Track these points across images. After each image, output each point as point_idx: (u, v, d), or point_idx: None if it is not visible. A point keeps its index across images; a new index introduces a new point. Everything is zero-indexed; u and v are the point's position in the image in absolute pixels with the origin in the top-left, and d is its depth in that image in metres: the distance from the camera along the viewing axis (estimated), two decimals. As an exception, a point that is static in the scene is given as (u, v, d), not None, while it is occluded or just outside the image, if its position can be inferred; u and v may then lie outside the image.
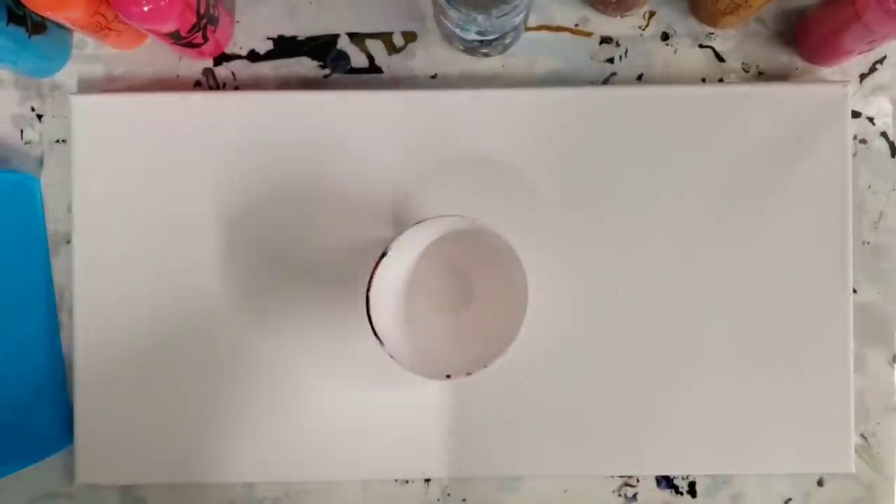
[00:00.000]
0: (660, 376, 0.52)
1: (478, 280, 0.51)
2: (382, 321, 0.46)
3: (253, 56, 0.54)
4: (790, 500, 0.53)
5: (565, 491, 0.53)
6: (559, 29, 0.54)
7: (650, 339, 0.52)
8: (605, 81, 0.54)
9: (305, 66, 0.54)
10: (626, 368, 0.52)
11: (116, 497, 0.54)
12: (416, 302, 0.51)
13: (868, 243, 0.54)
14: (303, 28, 0.54)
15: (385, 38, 0.54)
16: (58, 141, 0.54)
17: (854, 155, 0.53)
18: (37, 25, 0.49)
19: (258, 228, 0.53)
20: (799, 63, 0.54)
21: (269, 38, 0.54)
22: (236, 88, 0.54)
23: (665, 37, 0.54)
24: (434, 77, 0.54)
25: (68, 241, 0.54)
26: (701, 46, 0.54)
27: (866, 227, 0.54)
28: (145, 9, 0.43)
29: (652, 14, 0.54)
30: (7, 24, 0.46)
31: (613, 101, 0.52)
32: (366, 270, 0.46)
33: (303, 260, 0.53)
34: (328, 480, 0.53)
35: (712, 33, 0.54)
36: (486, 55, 0.53)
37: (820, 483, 0.53)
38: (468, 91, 0.52)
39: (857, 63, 0.53)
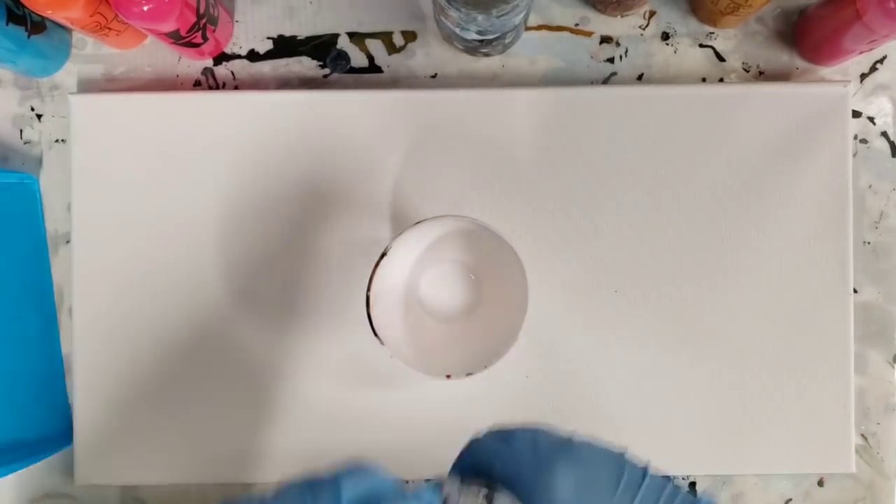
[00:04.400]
0: (660, 376, 0.52)
1: (478, 280, 0.51)
2: (382, 321, 0.46)
3: (253, 56, 0.54)
4: (790, 500, 0.53)
5: (565, 491, 0.53)
6: (559, 29, 0.54)
7: (650, 339, 0.52)
8: (605, 81, 0.54)
9: (305, 65, 0.54)
10: (626, 368, 0.52)
11: (116, 497, 0.54)
12: (416, 302, 0.51)
13: (869, 243, 0.54)
14: (302, 28, 0.54)
15: (385, 37, 0.54)
16: (57, 141, 0.54)
17: (854, 155, 0.53)
18: (36, 25, 0.49)
19: (258, 228, 0.53)
20: (799, 63, 0.54)
21: (268, 38, 0.54)
22: (236, 88, 0.54)
23: (665, 36, 0.54)
24: (434, 77, 0.54)
25: (68, 241, 0.54)
26: (701, 46, 0.54)
27: (867, 226, 0.54)
28: (145, 8, 0.43)
29: (652, 14, 0.54)
30: (7, 24, 0.46)
31: (613, 101, 0.52)
32: (366, 270, 0.46)
33: (302, 260, 0.53)
34: (328, 480, 0.53)
35: (712, 33, 0.54)
36: (486, 55, 0.53)
37: (820, 483, 0.53)
38: (468, 91, 0.52)
39: (857, 63, 0.53)
